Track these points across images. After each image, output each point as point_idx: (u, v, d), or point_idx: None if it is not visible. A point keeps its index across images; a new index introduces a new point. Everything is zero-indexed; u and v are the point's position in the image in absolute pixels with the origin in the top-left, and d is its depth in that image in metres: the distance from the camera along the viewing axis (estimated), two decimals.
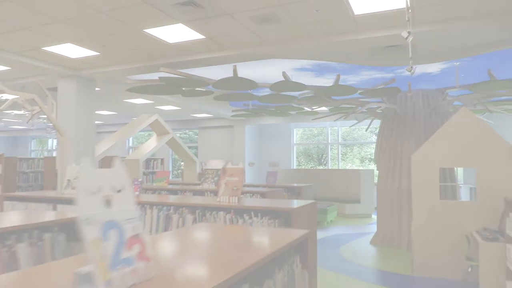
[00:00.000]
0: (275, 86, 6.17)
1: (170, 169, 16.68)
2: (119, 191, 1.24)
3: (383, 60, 5.95)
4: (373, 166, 14.29)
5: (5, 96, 8.89)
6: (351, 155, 15.19)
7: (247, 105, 9.22)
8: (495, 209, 4.98)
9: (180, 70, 6.40)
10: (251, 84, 6.03)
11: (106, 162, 9.38)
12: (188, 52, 5.88)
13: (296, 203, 3.41)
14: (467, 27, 4.50)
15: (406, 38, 2.76)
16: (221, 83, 5.97)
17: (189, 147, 15.65)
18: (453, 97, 7.30)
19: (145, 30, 4.91)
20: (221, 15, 4.43)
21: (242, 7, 4.23)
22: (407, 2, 3.49)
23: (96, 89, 8.48)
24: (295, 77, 7.75)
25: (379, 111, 8.05)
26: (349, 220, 10.64)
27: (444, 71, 6.97)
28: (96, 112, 12.53)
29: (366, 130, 10.24)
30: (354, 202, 11.43)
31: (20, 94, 6.26)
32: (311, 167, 15.21)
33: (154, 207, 3.86)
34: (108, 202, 1.19)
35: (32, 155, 19.92)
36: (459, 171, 11.92)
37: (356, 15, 4.42)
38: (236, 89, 6.49)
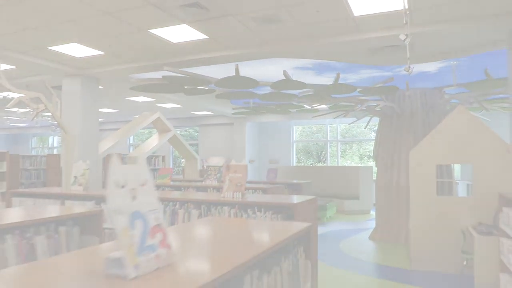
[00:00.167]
0: (276, 85, 6.30)
1: (171, 166, 16.80)
2: (142, 185, 1.37)
3: (382, 59, 6.08)
4: (372, 163, 14.45)
5: (11, 94, 9.01)
6: (350, 152, 15.34)
7: (248, 103, 9.35)
8: (490, 204, 5.13)
9: (183, 69, 6.53)
10: (252, 82, 6.16)
11: (109, 159, 9.50)
12: (191, 52, 6.00)
13: (298, 199, 3.55)
14: (462, 29, 4.64)
15: (404, 40, 2.89)
16: (223, 81, 6.10)
17: (190, 145, 15.77)
18: (450, 95, 7.44)
19: (150, 31, 5.03)
20: (225, 16, 4.55)
21: (245, 9, 4.35)
22: (404, 5, 3.61)
23: (99, 87, 8.61)
24: (296, 76, 7.88)
25: (378, 109, 8.18)
26: (348, 216, 10.80)
27: (441, 70, 7.10)
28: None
29: (365, 127, 10.38)
30: (353, 198, 11.59)
31: (25, 92, 6.38)
32: (310, 164, 15.36)
33: (160, 203, 3.99)
34: (133, 195, 1.32)
35: (33, 153, 20.02)
36: (457, 168, 12.08)
37: (356, 16, 4.54)
38: (237, 88, 6.62)
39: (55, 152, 19.63)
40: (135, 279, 1.15)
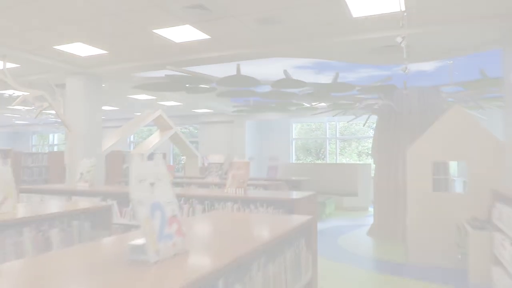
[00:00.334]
0: (277, 84, 6.43)
1: (171, 163, 16.94)
2: (160, 179, 1.51)
3: (380, 59, 6.22)
4: (370, 160, 14.61)
5: (16, 93, 9.12)
6: (349, 149, 15.50)
7: (248, 101, 9.48)
8: (484, 200, 5.29)
9: (185, 68, 6.65)
10: (253, 81, 6.29)
11: (111, 156, 9.63)
12: (194, 51, 6.12)
13: (298, 195, 3.69)
14: (458, 29, 4.77)
15: (400, 43, 3.02)
16: (225, 80, 6.23)
17: (190, 142, 15.89)
18: (447, 94, 7.58)
19: (154, 31, 5.16)
20: (227, 17, 4.68)
21: (246, 10, 4.48)
22: (401, 8, 3.74)
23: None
24: (296, 75, 8.01)
25: (376, 107, 8.32)
26: (347, 212, 10.96)
27: (438, 69, 7.24)
28: None
29: (364, 125, 10.52)
30: (351, 195, 11.75)
31: (30, 91, 6.50)
32: (309, 162, 15.51)
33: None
34: (152, 188, 1.46)
35: (34, 150, 20.11)
36: (453, 165, 12.24)
37: (355, 17, 4.67)
38: (238, 86, 6.75)
39: (55, 149, 19.74)
40: (157, 263, 1.29)
